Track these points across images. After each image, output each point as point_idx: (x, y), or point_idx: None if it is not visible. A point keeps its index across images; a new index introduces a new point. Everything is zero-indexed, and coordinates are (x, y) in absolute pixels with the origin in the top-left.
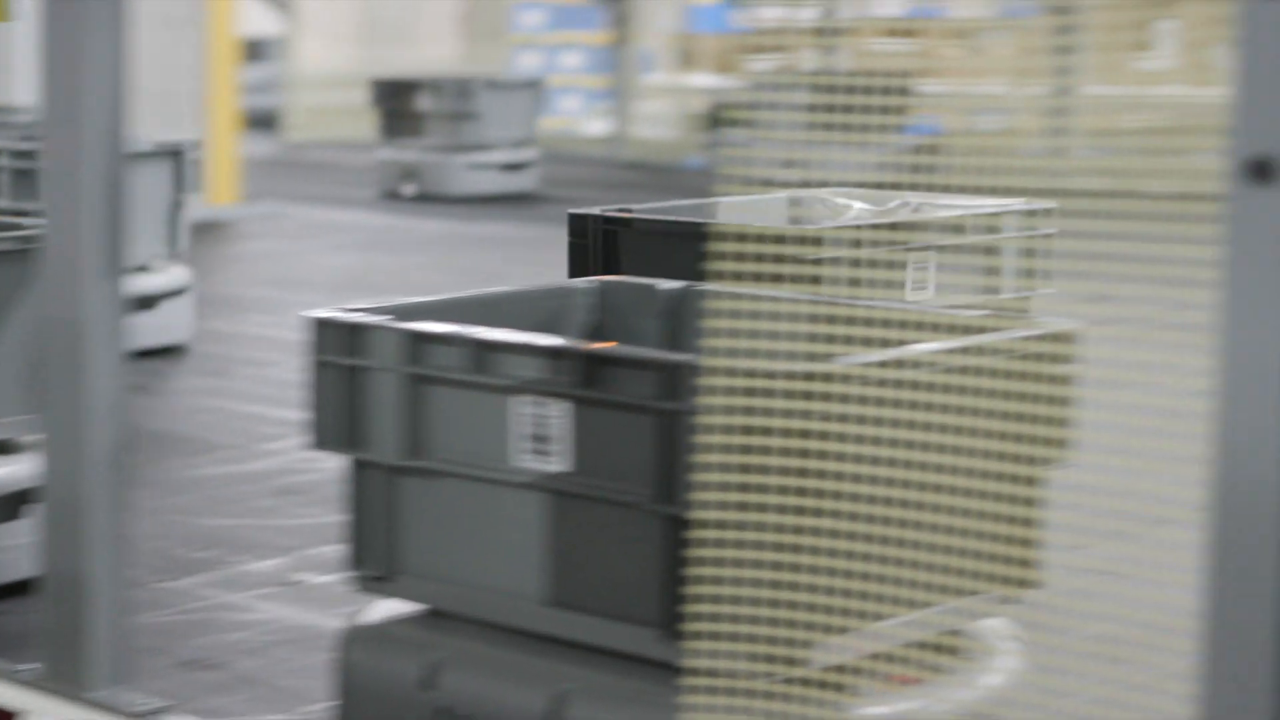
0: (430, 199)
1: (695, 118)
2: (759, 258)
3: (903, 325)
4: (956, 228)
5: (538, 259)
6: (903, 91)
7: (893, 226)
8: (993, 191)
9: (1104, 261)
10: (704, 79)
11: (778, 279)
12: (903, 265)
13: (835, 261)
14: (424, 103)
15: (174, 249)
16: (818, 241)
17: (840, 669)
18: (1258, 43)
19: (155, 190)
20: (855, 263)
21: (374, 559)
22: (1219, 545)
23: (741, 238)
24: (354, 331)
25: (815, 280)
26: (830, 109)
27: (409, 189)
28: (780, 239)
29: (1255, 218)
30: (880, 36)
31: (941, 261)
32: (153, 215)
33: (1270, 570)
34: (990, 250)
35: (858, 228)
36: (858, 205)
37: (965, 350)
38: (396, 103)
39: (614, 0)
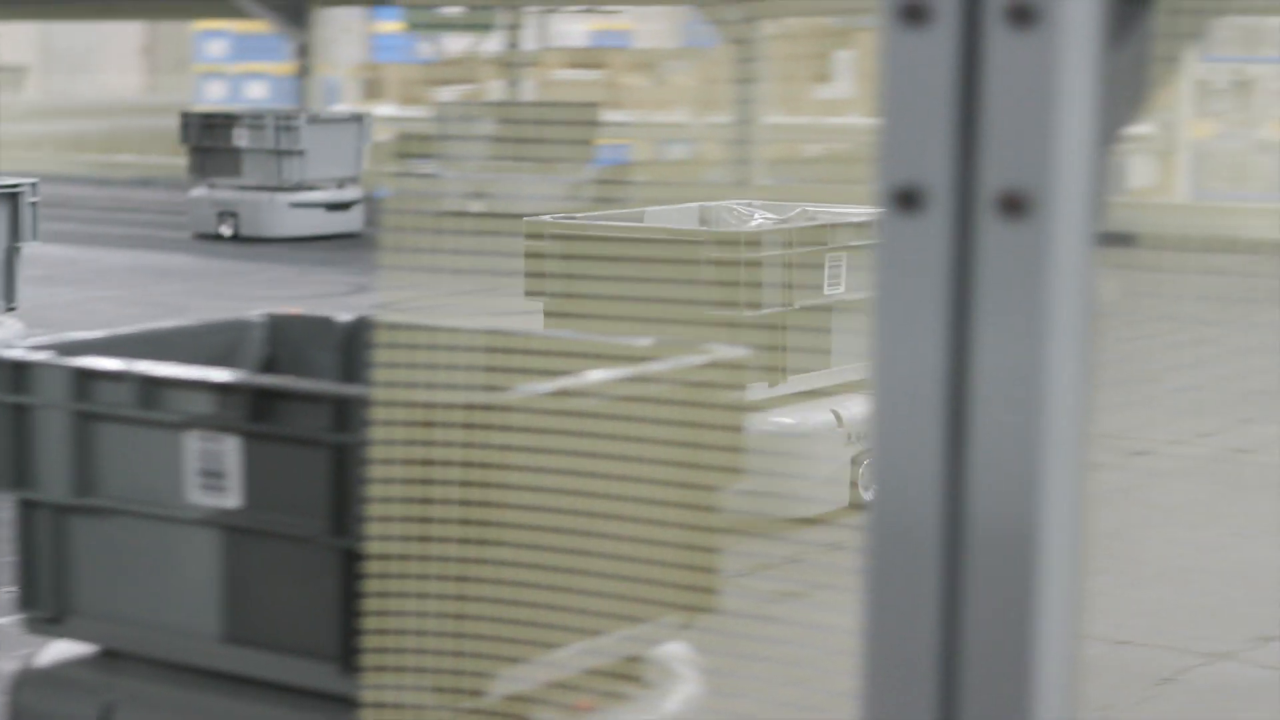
0: (248, 240)
1: (381, 148)
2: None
3: (573, 355)
4: (862, 229)
5: (228, 292)
6: (589, 121)
7: (818, 228)
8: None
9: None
10: (389, 109)
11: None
12: (821, 264)
13: (771, 260)
14: (241, 138)
15: (11, 302)
16: (757, 242)
17: (520, 698)
18: (900, 72)
19: None
20: (786, 262)
21: (43, 600)
22: (877, 562)
23: (693, 241)
24: (17, 369)
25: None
26: (517, 139)
27: (225, 229)
28: (731, 241)
29: (903, 246)
30: (565, 67)
31: (852, 261)
32: None
33: (929, 588)
34: None
35: (790, 229)
36: (758, 215)
37: (635, 379)
38: (209, 138)
39: (297, 30)
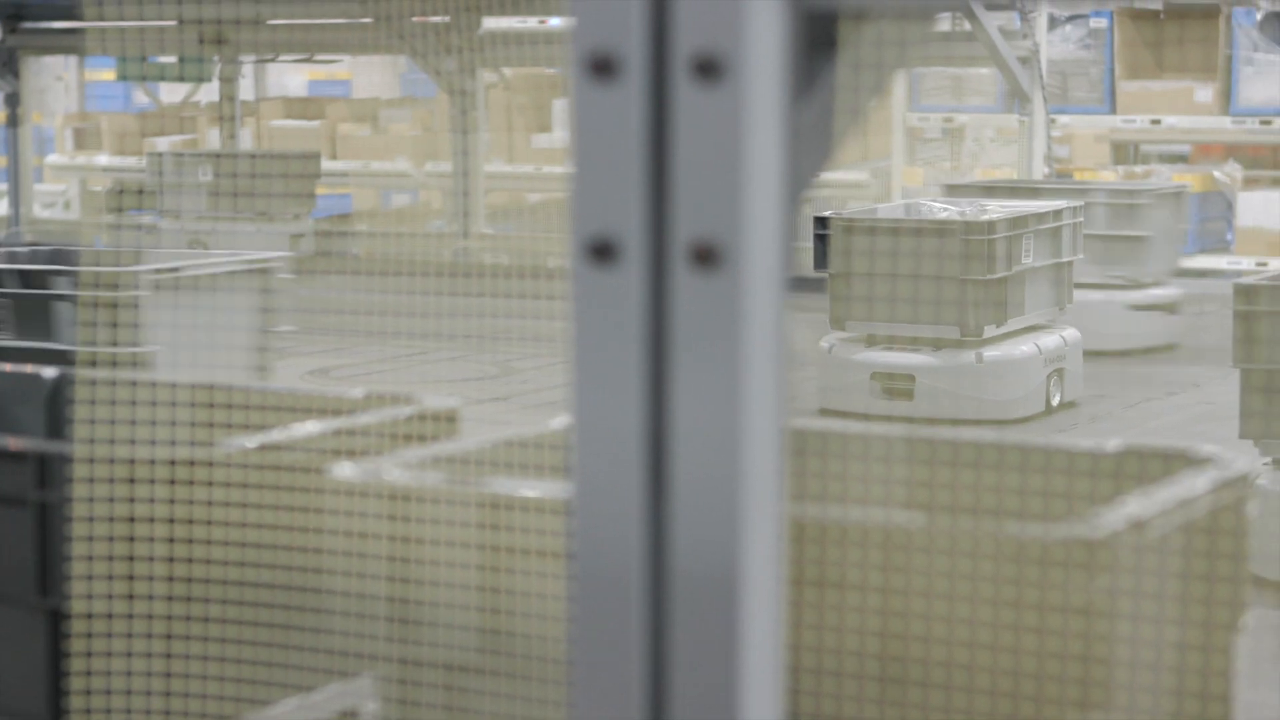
0: None
1: (97, 198)
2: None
3: (281, 408)
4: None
5: None
6: (309, 171)
7: (1019, 217)
8: (406, 269)
9: (506, 337)
10: (105, 159)
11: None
12: (1021, 242)
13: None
14: None
15: None
16: (993, 226)
17: None
18: (590, 125)
19: None
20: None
21: None
22: (582, 610)
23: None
24: None
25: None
26: (235, 189)
27: None
28: (976, 227)
29: (598, 298)
30: (284, 117)
31: (1035, 241)
32: None
33: (635, 632)
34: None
35: (1006, 218)
36: (952, 208)
37: (343, 432)
38: None
39: (7, 78)
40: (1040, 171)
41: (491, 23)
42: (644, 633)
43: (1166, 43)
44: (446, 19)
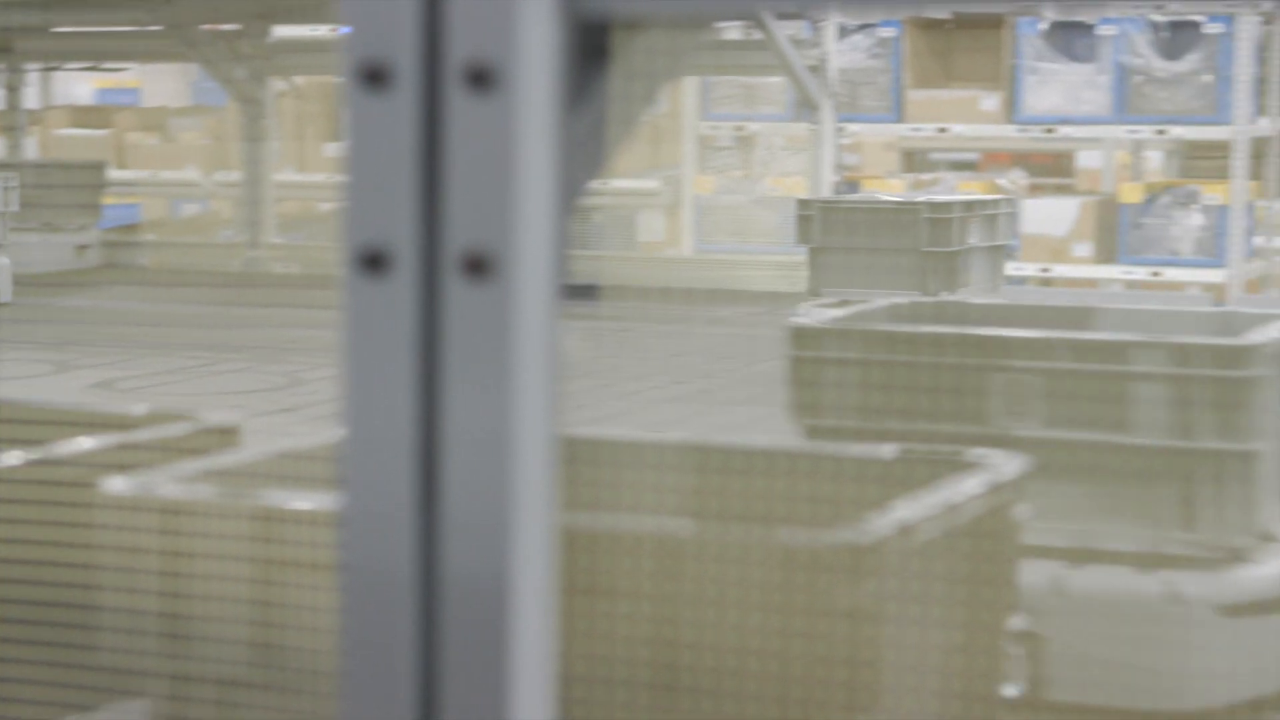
0: None
1: None
2: None
3: (59, 423)
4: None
5: None
6: (96, 180)
7: (968, 202)
8: (194, 279)
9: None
10: None
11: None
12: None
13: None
14: None
15: None
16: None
17: None
18: (362, 134)
19: None
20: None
21: None
22: (350, 631)
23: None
24: None
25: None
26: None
27: None
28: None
29: (369, 308)
30: (70, 126)
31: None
32: None
33: (405, 640)
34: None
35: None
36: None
37: (120, 447)
38: None
39: None
40: (830, 180)
41: (282, 30)
42: (414, 643)
43: (953, 52)
44: (237, 27)
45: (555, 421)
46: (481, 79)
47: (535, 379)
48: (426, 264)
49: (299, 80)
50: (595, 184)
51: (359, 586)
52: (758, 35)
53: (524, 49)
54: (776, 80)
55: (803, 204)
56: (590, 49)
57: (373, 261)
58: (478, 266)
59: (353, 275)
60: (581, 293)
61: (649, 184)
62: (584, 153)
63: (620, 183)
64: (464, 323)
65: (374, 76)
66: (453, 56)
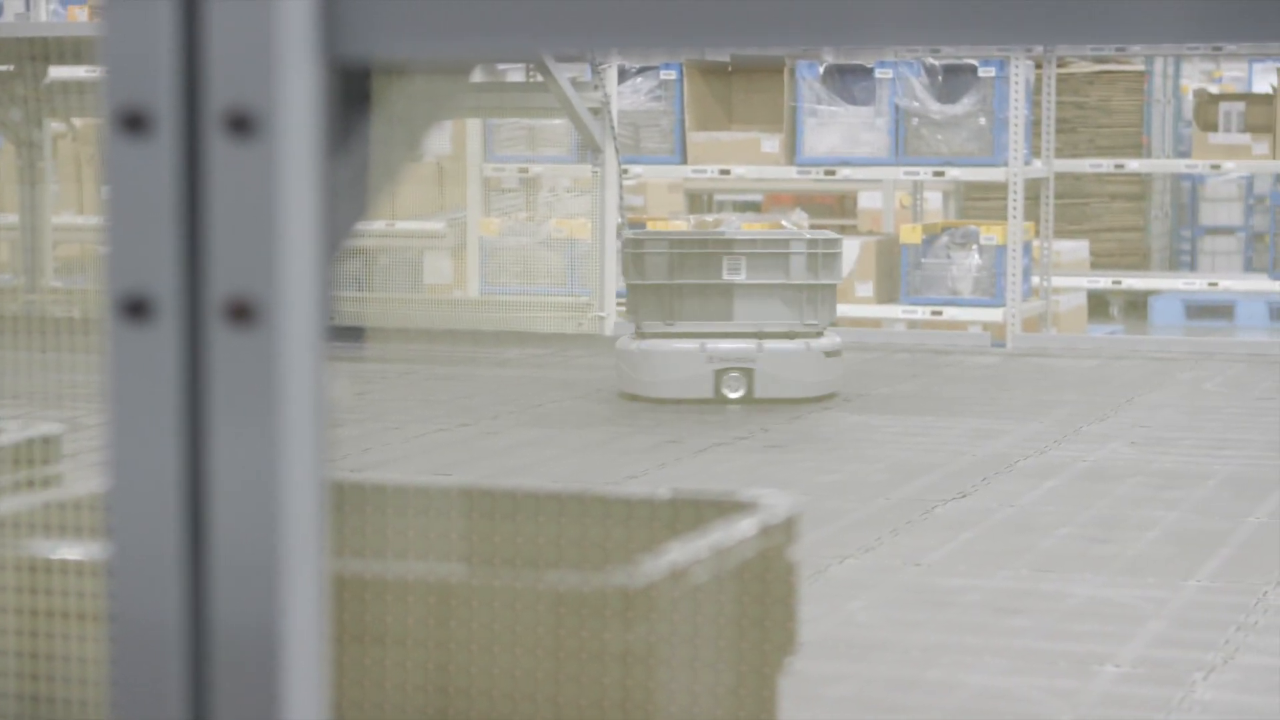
0: None
1: None
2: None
3: None
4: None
5: None
6: None
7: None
8: None
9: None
10: None
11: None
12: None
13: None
14: None
15: None
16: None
17: None
18: (122, 180)
19: None
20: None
21: None
22: (119, 683)
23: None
24: None
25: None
26: None
27: None
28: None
29: (133, 356)
30: None
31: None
32: None
33: (171, 701)
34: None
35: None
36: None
37: None
38: None
39: None
40: (614, 221)
41: (58, 72)
42: (184, 693)
43: (734, 95)
44: (11, 68)
45: (323, 466)
46: (242, 125)
47: (302, 424)
48: (189, 311)
49: (77, 122)
50: (359, 228)
51: (128, 637)
52: (539, 78)
53: (284, 95)
54: (559, 122)
55: (633, 243)
56: (352, 94)
57: (135, 309)
58: (241, 313)
59: (115, 323)
60: (348, 335)
61: (434, 226)
62: (347, 198)
63: (406, 225)
64: (229, 369)
65: (133, 122)
66: (213, 102)
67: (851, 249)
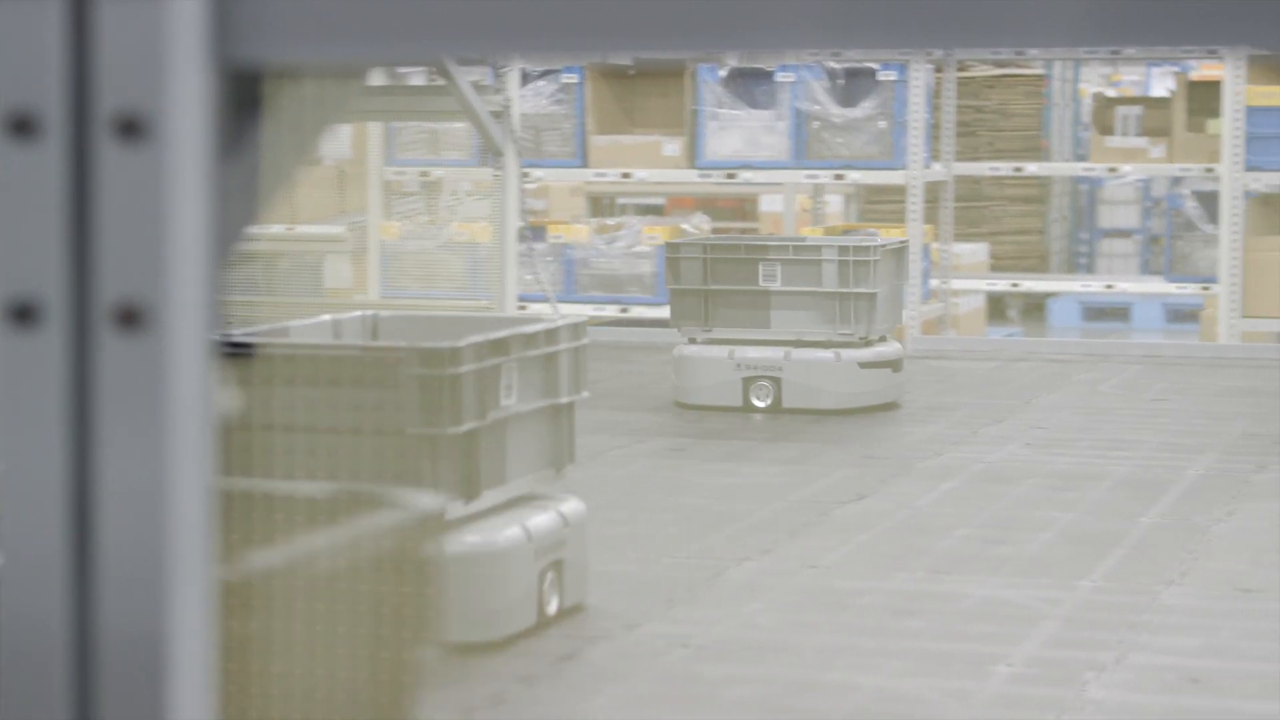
0: None
1: None
2: None
3: None
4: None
5: None
6: None
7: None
8: None
9: None
10: None
11: None
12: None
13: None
14: None
15: None
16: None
17: None
18: (9, 185)
19: None
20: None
21: None
22: (3, 695)
23: None
24: None
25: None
26: None
27: None
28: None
29: (19, 363)
30: None
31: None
32: None
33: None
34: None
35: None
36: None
37: None
38: None
39: None
40: (515, 225)
41: None
42: (69, 703)
43: (636, 98)
44: None
45: (211, 472)
46: (132, 128)
47: (190, 430)
48: (77, 316)
49: None
50: (249, 233)
51: (12, 645)
52: (441, 81)
53: (174, 98)
54: (461, 126)
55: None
56: (243, 98)
57: (21, 314)
58: (130, 318)
59: (1, 329)
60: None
61: (335, 230)
62: (238, 202)
63: (306, 229)
64: (117, 375)
65: (20, 126)
66: (102, 106)
67: None
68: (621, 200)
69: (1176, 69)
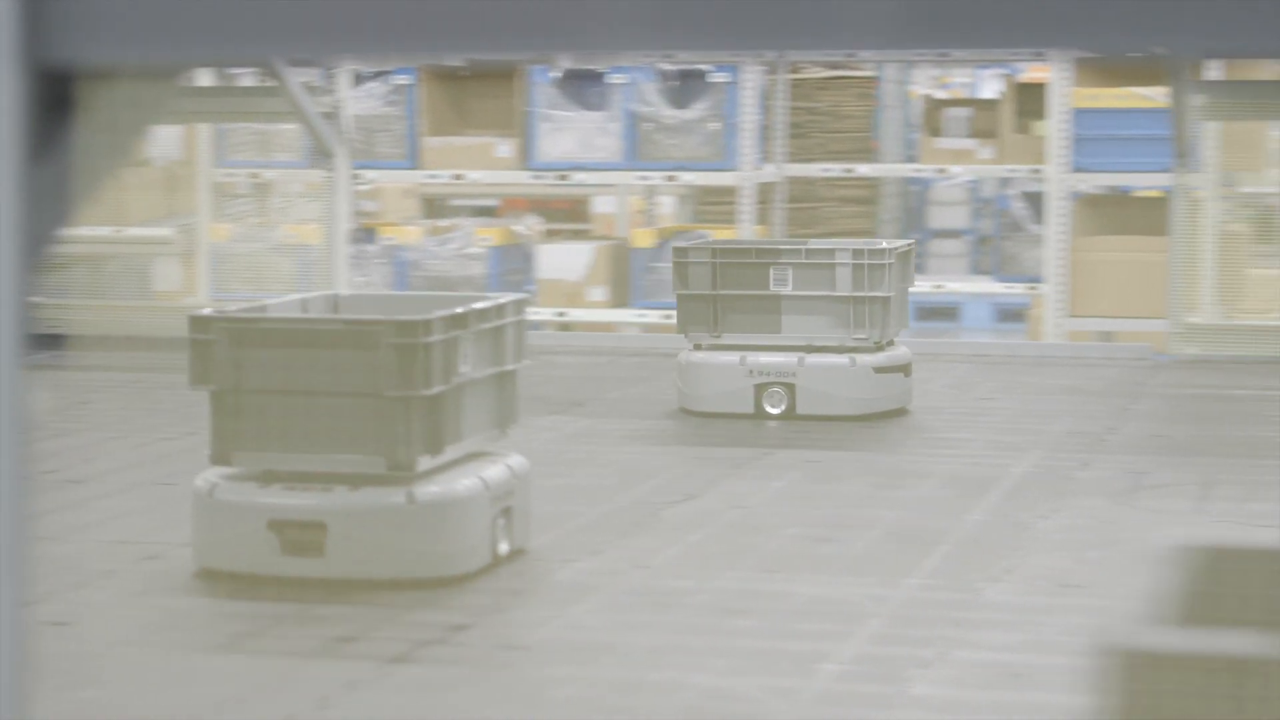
0: None
1: None
2: None
3: None
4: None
5: None
6: None
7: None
8: None
9: None
10: None
11: None
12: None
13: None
14: None
15: None
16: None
17: None
18: None
19: None
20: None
21: None
22: None
23: None
24: None
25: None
26: None
27: None
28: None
29: None
30: None
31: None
32: None
33: None
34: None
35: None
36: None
37: None
38: None
39: None
40: (346, 227)
41: None
42: None
43: (468, 99)
44: None
45: (23, 477)
46: None
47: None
48: None
49: None
50: (61, 235)
51: None
52: (271, 82)
53: None
54: (292, 127)
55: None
56: (54, 100)
57: None
58: None
59: None
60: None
61: (163, 232)
62: (48, 204)
63: (134, 231)
64: None
65: None
66: None
67: (584, 253)
68: (455, 202)
69: (1006, 71)
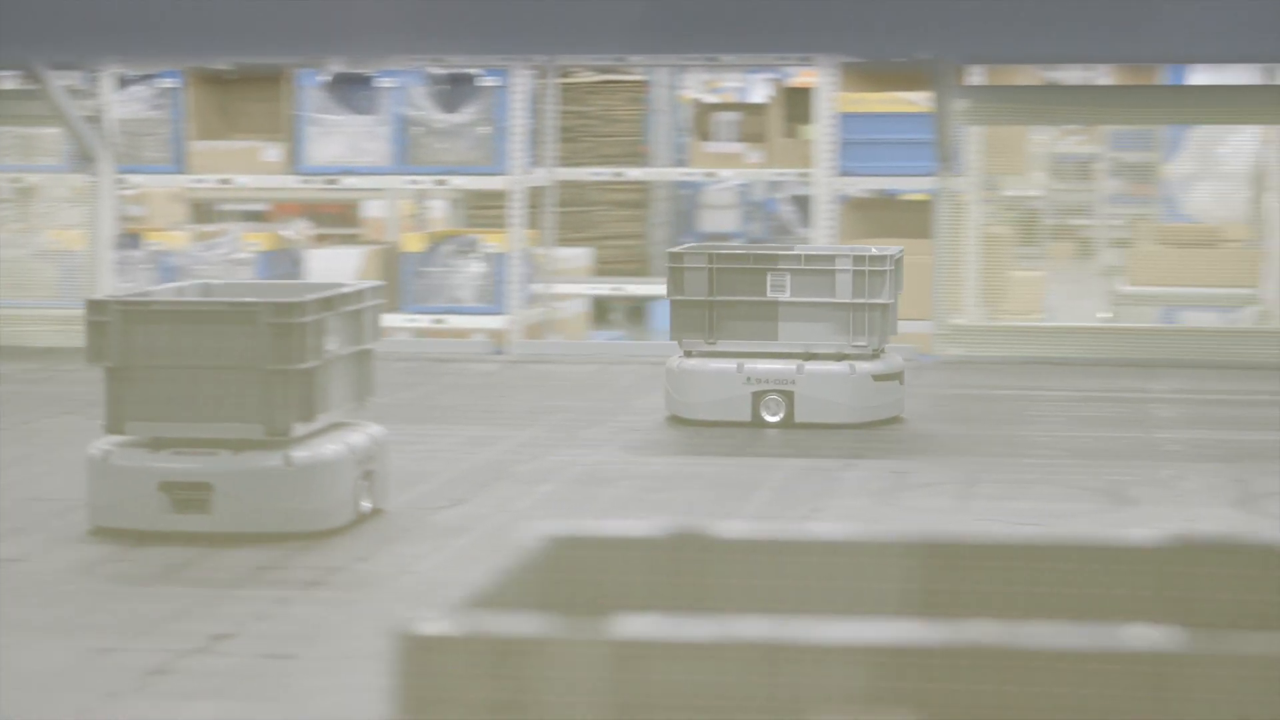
0: None
1: None
2: None
3: None
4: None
5: None
6: None
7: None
8: None
9: None
10: None
11: None
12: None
13: None
14: None
15: None
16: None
17: None
18: None
19: None
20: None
21: None
22: None
23: None
24: None
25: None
26: None
27: None
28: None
29: None
30: None
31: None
32: None
33: None
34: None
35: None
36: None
37: None
38: None
39: None
40: (110, 233)
41: None
42: None
43: (236, 103)
44: None
45: None
46: None
47: None
48: None
49: None
50: None
51: None
52: (32, 85)
53: None
54: (54, 131)
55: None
56: None
57: None
58: None
59: None
60: None
61: None
62: None
63: None
64: None
65: None
66: None
67: (353, 258)
68: (225, 207)
69: (775, 76)
